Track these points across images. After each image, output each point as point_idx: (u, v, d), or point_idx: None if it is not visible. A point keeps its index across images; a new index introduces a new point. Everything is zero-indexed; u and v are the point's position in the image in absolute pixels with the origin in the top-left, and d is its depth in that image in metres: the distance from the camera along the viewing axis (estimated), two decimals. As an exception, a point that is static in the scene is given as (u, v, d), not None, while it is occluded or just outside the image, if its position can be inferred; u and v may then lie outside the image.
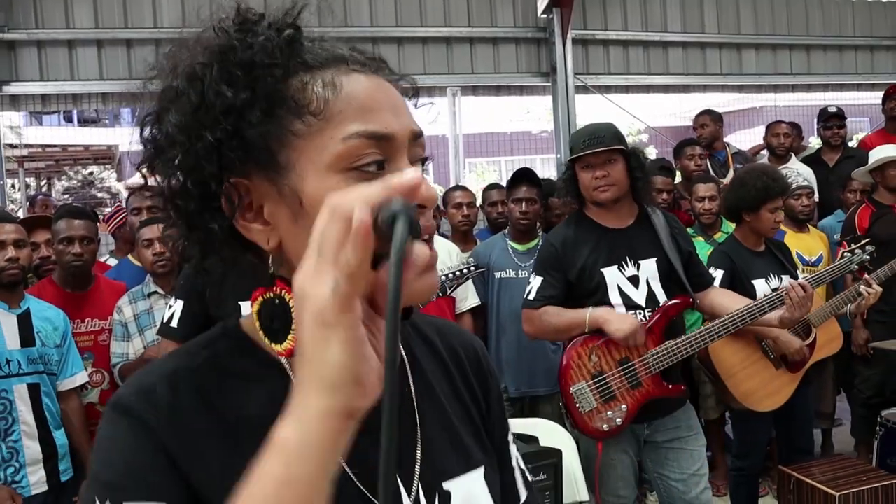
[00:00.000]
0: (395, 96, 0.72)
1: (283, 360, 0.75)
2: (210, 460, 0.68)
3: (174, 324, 2.46)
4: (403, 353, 0.82)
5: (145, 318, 3.24)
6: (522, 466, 0.92)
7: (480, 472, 0.81)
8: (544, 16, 6.50)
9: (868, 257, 3.18)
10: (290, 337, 0.67)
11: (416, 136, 0.72)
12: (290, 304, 0.67)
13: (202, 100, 0.67)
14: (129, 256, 3.78)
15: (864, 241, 3.21)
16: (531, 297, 2.81)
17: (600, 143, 2.70)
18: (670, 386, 2.75)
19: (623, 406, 2.70)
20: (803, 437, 3.50)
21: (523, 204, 3.73)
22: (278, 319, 0.69)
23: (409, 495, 0.74)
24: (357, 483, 0.72)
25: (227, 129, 0.66)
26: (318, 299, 0.52)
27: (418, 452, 0.77)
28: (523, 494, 0.89)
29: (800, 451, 3.43)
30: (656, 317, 2.73)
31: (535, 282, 2.83)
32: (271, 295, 0.70)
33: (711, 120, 5.49)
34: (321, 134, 0.66)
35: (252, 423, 0.69)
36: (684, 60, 7.00)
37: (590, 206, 2.84)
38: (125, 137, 13.04)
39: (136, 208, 3.63)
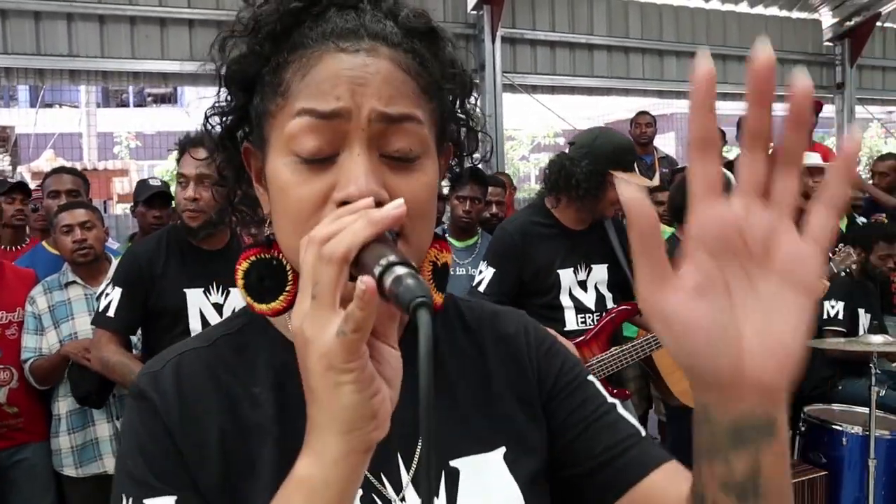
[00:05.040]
0: (368, 74, 0.65)
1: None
2: (207, 436, 0.71)
3: (111, 313, 2.28)
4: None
5: (62, 310, 3.00)
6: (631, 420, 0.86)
7: (499, 452, 0.79)
8: (474, 12, 6.50)
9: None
10: (280, 298, 0.71)
11: (387, 118, 0.65)
12: (287, 266, 0.71)
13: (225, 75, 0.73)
14: (44, 243, 3.49)
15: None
16: (480, 289, 2.75)
17: (649, 174, 2.79)
18: (615, 391, 2.78)
19: (568, 410, 2.70)
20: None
21: (467, 203, 3.69)
22: (270, 279, 0.72)
23: (408, 471, 0.75)
24: None
25: (242, 102, 0.73)
26: (322, 345, 0.53)
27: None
28: (642, 430, 0.84)
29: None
30: (603, 323, 2.75)
31: (487, 273, 2.76)
32: (268, 256, 0.72)
33: (652, 120, 5.64)
34: (282, 113, 0.67)
35: (254, 399, 0.73)
36: (608, 64, 7.15)
37: (554, 200, 2.78)
38: (22, 118, 12.24)
39: (53, 191, 3.36)
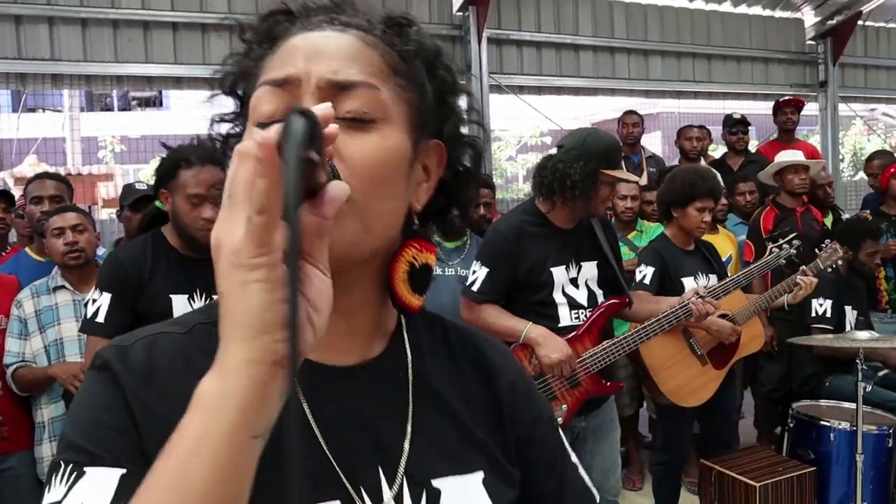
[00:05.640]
0: (325, 47, 0.67)
1: None
2: (175, 419, 0.64)
3: (100, 318, 2.25)
4: (409, 351, 0.79)
5: (48, 315, 2.96)
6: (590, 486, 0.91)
7: (479, 476, 0.78)
8: (460, 13, 6.49)
9: (795, 251, 3.32)
10: None
11: (336, 85, 0.65)
12: None
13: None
14: (27, 249, 3.44)
15: (790, 237, 3.34)
16: (474, 288, 2.75)
17: (637, 172, 2.76)
18: (608, 384, 2.79)
19: (564, 406, 2.71)
20: (727, 430, 3.62)
21: None
22: None
23: (390, 487, 0.72)
24: (320, 440, 0.71)
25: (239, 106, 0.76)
26: (232, 243, 0.50)
27: (406, 445, 0.74)
28: (597, 496, 0.88)
29: (724, 444, 3.53)
30: (594, 317, 2.75)
31: (481, 272, 2.75)
32: None
33: (640, 119, 5.64)
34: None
35: None
36: (594, 64, 7.16)
37: (548, 205, 2.76)
38: (4, 123, 12.12)
39: (36, 197, 3.32)
